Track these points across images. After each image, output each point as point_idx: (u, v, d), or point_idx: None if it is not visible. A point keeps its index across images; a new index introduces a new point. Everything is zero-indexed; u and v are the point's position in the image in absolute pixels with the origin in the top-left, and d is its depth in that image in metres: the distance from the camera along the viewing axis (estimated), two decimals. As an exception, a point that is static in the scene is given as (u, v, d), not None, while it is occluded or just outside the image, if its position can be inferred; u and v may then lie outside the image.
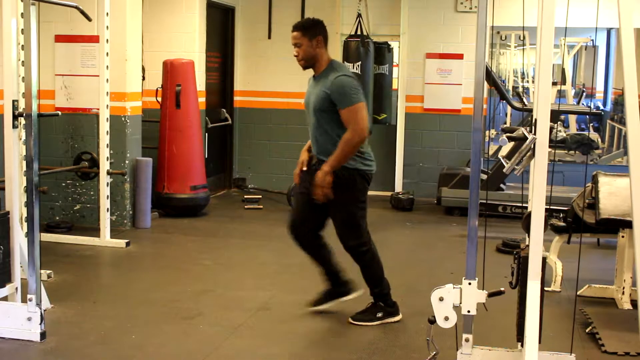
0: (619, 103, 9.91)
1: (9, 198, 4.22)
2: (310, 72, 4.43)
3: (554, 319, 4.25)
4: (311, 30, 4.24)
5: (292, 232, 4.40)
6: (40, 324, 3.94)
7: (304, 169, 4.37)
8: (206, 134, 8.29)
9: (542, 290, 3.28)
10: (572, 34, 10.05)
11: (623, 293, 4.72)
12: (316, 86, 4.25)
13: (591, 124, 10.51)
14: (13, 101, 4.16)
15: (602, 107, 10.68)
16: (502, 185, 7.75)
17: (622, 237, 4.73)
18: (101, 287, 5.25)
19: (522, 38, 10.78)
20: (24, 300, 4.11)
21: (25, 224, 4.47)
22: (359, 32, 8.29)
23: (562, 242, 5.14)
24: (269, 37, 9.22)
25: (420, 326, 4.15)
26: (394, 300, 4.44)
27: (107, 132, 6.17)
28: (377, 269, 4.40)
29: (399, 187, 8.91)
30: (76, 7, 5.70)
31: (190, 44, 8.07)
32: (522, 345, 3.32)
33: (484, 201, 5.15)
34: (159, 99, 7.53)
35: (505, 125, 8.59)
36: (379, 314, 4.37)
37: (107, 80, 6.14)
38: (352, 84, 4.14)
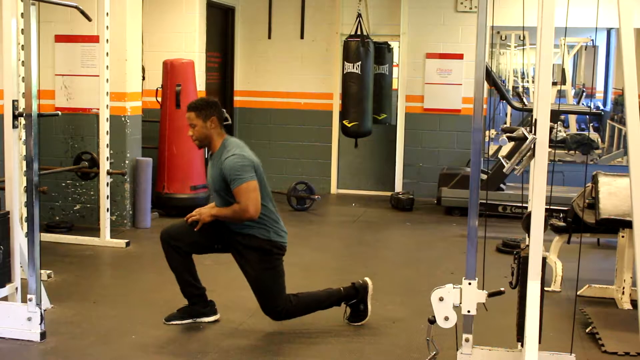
0: (619, 103, 9.91)
1: (9, 198, 4.22)
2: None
3: (554, 319, 4.25)
4: (204, 111, 4.21)
5: (164, 240, 4.32)
6: (40, 324, 3.95)
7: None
8: (206, 134, 8.28)
9: (542, 290, 3.28)
10: (572, 34, 10.04)
11: (623, 293, 4.72)
12: (213, 167, 4.27)
13: (591, 124, 10.50)
14: (13, 101, 4.16)
15: (602, 107, 10.67)
16: (502, 185, 7.75)
17: (622, 237, 4.73)
18: (101, 287, 5.25)
19: (522, 38, 10.77)
20: (24, 300, 4.11)
21: (25, 224, 4.47)
22: (359, 32, 8.29)
23: (562, 242, 5.14)
24: (269, 37, 9.22)
25: (420, 326, 4.14)
26: (347, 287, 4.38)
27: (107, 132, 6.17)
28: (312, 307, 4.36)
29: (399, 187, 8.92)
30: (76, 7, 5.70)
31: (190, 44, 8.08)
32: (522, 345, 3.33)
33: (484, 201, 5.15)
34: (159, 99, 7.53)
35: (505, 125, 8.57)
36: (361, 307, 4.35)
37: (107, 80, 6.14)
38: (239, 164, 4.10)
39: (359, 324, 4.37)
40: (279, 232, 4.25)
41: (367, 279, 4.44)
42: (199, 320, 4.34)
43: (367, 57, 8.20)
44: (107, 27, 6.06)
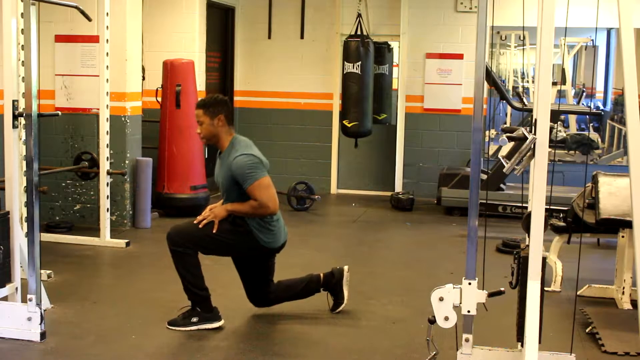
0: (619, 103, 9.91)
1: (9, 198, 4.22)
2: None
3: (554, 319, 4.25)
4: (212, 109, 4.22)
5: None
6: (40, 324, 3.94)
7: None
8: (206, 134, 8.28)
9: (542, 290, 3.28)
10: (572, 34, 10.05)
11: (623, 293, 4.72)
12: (222, 166, 4.28)
13: (591, 124, 10.51)
14: (13, 101, 4.16)
15: (602, 107, 10.68)
16: (502, 185, 7.75)
17: (622, 237, 4.73)
18: (101, 287, 5.25)
19: (522, 38, 10.77)
20: (24, 300, 4.11)
21: (25, 224, 4.47)
22: (359, 32, 8.29)
23: (562, 242, 5.14)
24: (269, 37, 9.23)
25: (420, 326, 4.14)
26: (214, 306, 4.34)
27: (107, 132, 6.17)
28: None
29: (399, 187, 8.92)
30: (76, 7, 5.70)
31: (190, 44, 8.08)
32: (522, 345, 3.33)
33: (484, 201, 5.15)
34: (159, 99, 7.53)
35: (505, 125, 8.58)
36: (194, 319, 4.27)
37: (107, 80, 6.14)
38: (250, 163, 4.13)
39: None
40: (270, 234, 4.27)
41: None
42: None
43: (367, 57, 8.20)
44: (107, 27, 6.06)
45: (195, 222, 4.24)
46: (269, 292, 4.43)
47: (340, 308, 4.51)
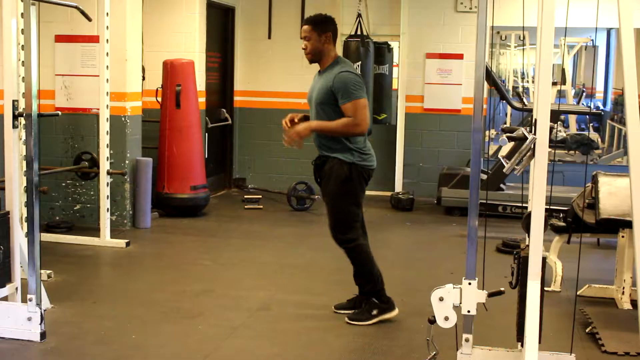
0: (619, 103, 9.91)
1: (9, 198, 4.22)
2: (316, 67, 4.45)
3: (554, 319, 4.25)
4: (321, 26, 4.30)
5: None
6: (40, 324, 3.94)
7: (294, 121, 4.35)
8: (206, 134, 8.29)
9: (542, 290, 3.28)
10: (572, 34, 10.05)
11: (623, 293, 4.72)
12: (320, 80, 4.32)
13: (591, 124, 10.51)
14: (13, 101, 4.16)
15: (602, 107, 10.68)
16: (502, 185, 7.75)
17: (622, 237, 4.73)
18: (101, 287, 5.25)
19: (522, 38, 10.78)
20: (24, 300, 4.11)
21: (25, 224, 4.47)
22: (359, 32, 8.29)
23: (562, 242, 5.14)
24: (269, 37, 9.22)
25: (420, 326, 4.14)
26: (388, 297, 4.43)
27: (107, 132, 6.17)
28: (367, 265, 4.40)
29: (399, 187, 8.91)
30: (76, 7, 5.70)
31: (190, 44, 8.08)
32: (522, 345, 3.32)
33: (484, 201, 5.15)
34: (159, 99, 7.53)
35: (505, 125, 8.58)
36: (374, 312, 4.37)
37: (107, 80, 6.14)
38: (355, 80, 4.20)
39: (356, 324, 4.35)
40: (365, 157, 4.29)
41: (397, 309, 4.46)
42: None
43: (367, 57, 8.20)
44: (107, 27, 6.06)
45: (284, 142, 4.27)
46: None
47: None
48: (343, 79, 4.16)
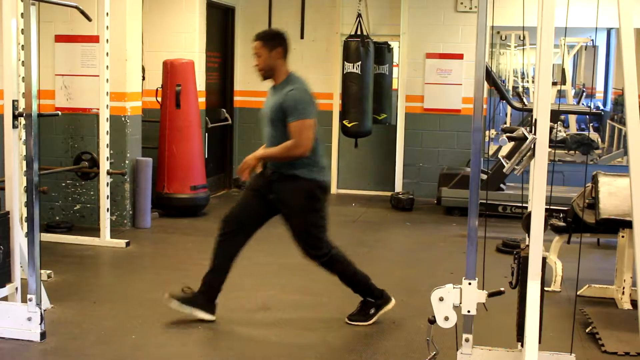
0: (619, 103, 9.91)
1: (9, 198, 4.22)
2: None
3: (554, 319, 4.25)
4: (272, 42, 4.26)
5: (225, 226, 4.34)
6: (40, 324, 3.94)
7: (257, 171, 4.34)
8: (206, 134, 8.29)
9: (542, 290, 3.28)
10: (572, 34, 10.05)
11: (623, 293, 4.72)
12: (273, 97, 4.30)
13: (591, 124, 10.51)
14: (13, 101, 4.16)
15: (602, 107, 10.68)
16: (502, 185, 7.75)
17: (622, 237, 4.73)
18: (101, 287, 5.25)
19: (522, 38, 10.78)
20: (24, 300, 4.11)
21: (25, 224, 4.47)
22: (359, 32, 8.29)
23: (562, 242, 5.14)
24: (269, 37, 9.21)
25: (420, 326, 4.15)
26: (381, 290, 4.41)
27: (107, 132, 6.17)
28: (348, 271, 4.37)
29: (399, 187, 8.92)
30: (76, 7, 5.70)
31: (190, 44, 8.07)
32: (522, 345, 3.33)
33: (484, 201, 5.15)
34: (159, 99, 7.53)
35: (505, 125, 8.58)
36: (372, 310, 4.37)
37: (107, 80, 6.14)
38: (304, 99, 4.17)
39: (356, 324, 4.36)
40: (321, 171, 4.27)
41: (393, 299, 4.45)
42: (194, 313, 4.28)
43: (367, 57, 8.20)
44: (107, 27, 6.05)
45: (237, 175, 4.30)
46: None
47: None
48: (293, 97, 4.14)
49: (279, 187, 4.24)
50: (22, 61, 4.24)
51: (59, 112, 6.14)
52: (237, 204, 4.42)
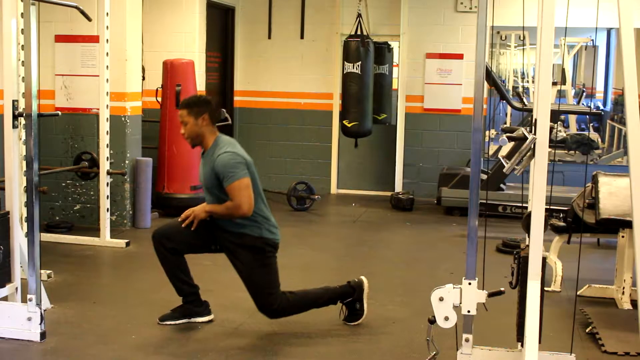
0: (619, 103, 9.91)
1: (9, 198, 4.22)
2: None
3: (554, 319, 4.25)
4: (196, 109, 4.22)
5: (157, 241, 4.26)
6: (40, 324, 3.94)
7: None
8: (206, 134, 8.28)
9: (542, 290, 3.28)
10: (572, 34, 10.04)
11: (623, 293, 4.72)
12: (205, 165, 4.27)
13: (591, 124, 10.50)
14: (13, 101, 4.16)
15: (602, 107, 10.67)
16: (502, 185, 7.75)
17: (622, 237, 4.73)
18: (101, 287, 5.25)
19: (522, 38, 10.77)
20: (24, 300, 4.11)
21: (25, 224, 4.47)
22: (359, 32, 8.29)
23: (562, 242, 5.14)
24: (269, 37, 9.23)
25: (420, 326, 4.14)
26: (345, 284, 4.36)
27: (107, 132, 6.17)
28: (309, 304, 4.34)
29: (399, 187, 8.92)
30: (76, 7, 5.70)
31: (190, 44, 8.08)
32: (522, 345, 3.33)
33: (484, 201, 5.15)
34: (159, 99, 7.53)
35: (505, 125, 8.59)
36: (357, 305, 4.35)
37: (107, 80, 6.14)
38: (232, 162, 4.12)
39: (356, 324, 4.36)
40: (270, 229, 4.23)
41: (362, 277, 4.43)
42: (193, 320, 4.32)
43: (367, 57, 8.20)
44: (107, 27, 6.06)
45: (179, 220, 4.22)
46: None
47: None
48: (222, 163, 4.10)
49: (229, 244, 4.21)
50: (22, 61, 4.24)
51: (59, 112, 6.14)
52: (174, 224, 4.30)
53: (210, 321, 4.34)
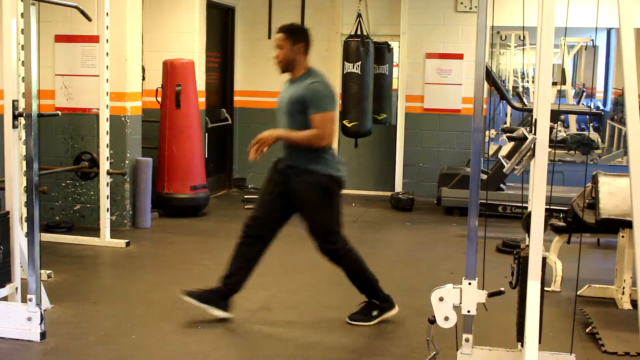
0: (619, 103, 9.91)
1: (9, 198, 4.22)
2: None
3: (554, 319, 4.25)
4: (295, 35, 4.27)
5: (248, 230, 4.34)
6: (40, 324, 3.94)
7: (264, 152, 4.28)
8: (206, 134, 8.30)
9: (542, 290, 3.28)
10: (572, 34, 10.05)
11: (623, 293, 4.72)
12: (290, 89, 4.29)
13: (591, 124, 10.51)
14: (13, 101, 4.16)
15: (602, 107, 10.67)
16: (502, 185, 7.75)
17: (622, 237, 4.73)
18: (101, 287, 5.25)
19: (522, 38, 10.78)
20: (24, 300, 4.11)
21: (25, 224, 4.47)
22: (359, 32, 8.29)
23: (562, 242, 5.14)
24: (269, 37, 9.22)
25: (420, 326, 4.14)
26: (387, 294, 4.42)
27: (107, 132, 6.17)
28: (359, 270, 4.37)
29: (399, 187, 8.92)
30: (76, 7, 5.70)
31: (190, 44, 8.08)
32: (522, 345, 3.33)
33: (484, 201, 5.15)
34: (159, 99, 7.53)
35: (505, 125, 8.59)
36: (375, 312, 4.37)
37: (107, 80, 6.14)
38: (326, 92, 4.17)
39: (356, 324, 4.36)
40: (337, 166, 4.25)
41: (397, 307, 4.45)
42: (209, 309, 4.28)
43: (367, 57, 8.20)
44: (107, 27, 6.05)
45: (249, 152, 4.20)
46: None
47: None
48: (315, 90, 4.13)
49: (294, 181, 4.22)
50: (22, 61, 4.24)
51: (59, 112, 6.14)
52: (257, 208, 4.41)
53: (224, 319, 4.30)
